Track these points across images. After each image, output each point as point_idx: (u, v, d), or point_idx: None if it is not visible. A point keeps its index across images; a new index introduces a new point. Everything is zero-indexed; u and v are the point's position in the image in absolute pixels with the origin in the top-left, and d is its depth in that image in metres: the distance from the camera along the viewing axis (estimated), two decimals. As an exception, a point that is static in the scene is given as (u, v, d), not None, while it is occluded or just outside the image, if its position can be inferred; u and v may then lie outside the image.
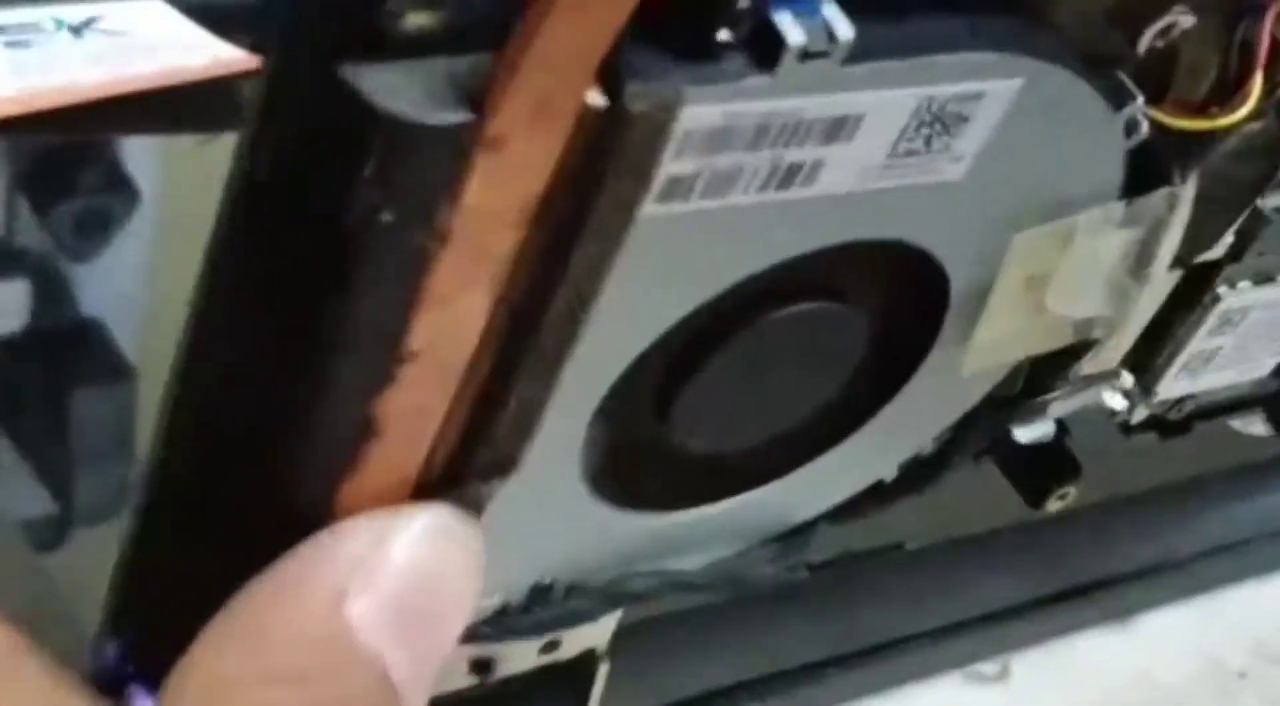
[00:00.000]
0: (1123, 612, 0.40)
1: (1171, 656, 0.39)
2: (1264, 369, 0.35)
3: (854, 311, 0.25)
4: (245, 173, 0.20)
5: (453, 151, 0.19)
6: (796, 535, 0.29)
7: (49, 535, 0.40)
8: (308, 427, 0.21)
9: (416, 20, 0.19)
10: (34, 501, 0.36)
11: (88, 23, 0.50)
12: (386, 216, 0.19)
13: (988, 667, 0.38)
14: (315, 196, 0.20)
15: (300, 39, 0.19)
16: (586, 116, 0.20)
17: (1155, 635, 0.40)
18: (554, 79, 0.19)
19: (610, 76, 0.20)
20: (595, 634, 0.29)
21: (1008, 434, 0.33)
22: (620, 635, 0.29)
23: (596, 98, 0.20)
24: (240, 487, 0.22)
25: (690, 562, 0.28)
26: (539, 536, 0.26)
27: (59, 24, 0.50)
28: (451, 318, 0.21)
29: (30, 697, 0.20)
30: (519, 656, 0.28)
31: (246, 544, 0.21)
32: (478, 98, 0.19)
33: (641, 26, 0.19)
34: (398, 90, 0.19)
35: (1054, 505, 0.34)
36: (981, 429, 0.29)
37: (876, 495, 0.29)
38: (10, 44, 0.50)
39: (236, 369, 0.21)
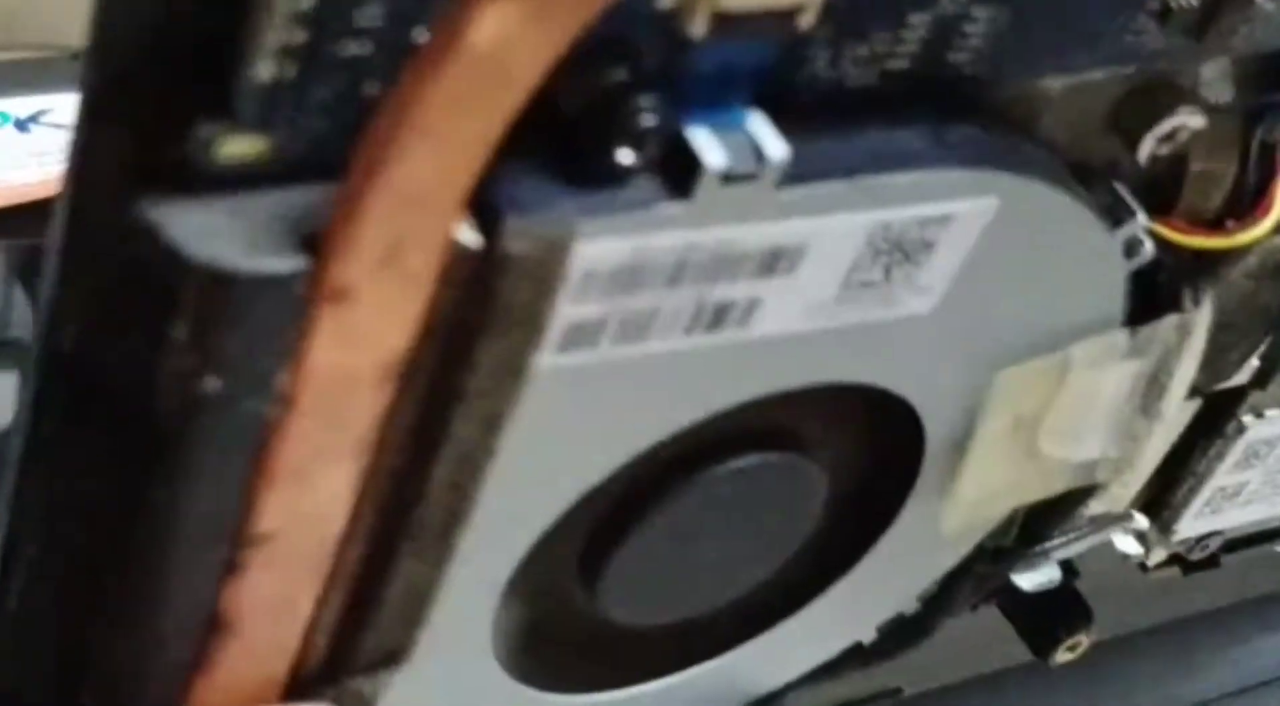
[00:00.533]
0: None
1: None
2: (1297, 502, 0.31)
3: (810, 463, 0.22)
4: (46, 343, 0.17)
5: (286, 306, 0.16)
6: (763, 708, 0.25)
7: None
8: (147, 628, 0.18)
9: (235, 149, 0.16)
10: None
11: (35, 117, 0.48)
12: (211, 384, 0.16)
13: None
14: (125, 364, 0.16)
15: (93, 170, 0.16)
16: (456, 256, 0.16)
17: (1182, 787, 0.36)
18: (408, 217, 0.16)
19: (483, 208, 0.16)
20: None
21: (1007, 581, 0.29)
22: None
23: (468, 235, 0.16)
24: (74, 699, 0.19)
25: (635, 744, 0.24)
26: None
27: (4, 118, 0.48)
28: (308, 495, 0.18)
29: None
30: None
31: None
32: (314, 240, 0.16)
33: (522, 147, 0.16)
34: (212, 233, 0.15)
35: (1063, 656, 0.31)
36: (972, 584, 0.26)
37: (855, 657, 0.26)
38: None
39: (63, 554, 0.18)
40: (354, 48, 0.15)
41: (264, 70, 0.15)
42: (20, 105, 0.47)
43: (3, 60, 0.49)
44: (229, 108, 0.15)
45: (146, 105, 0.15)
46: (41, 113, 0.47)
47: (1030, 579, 0.30)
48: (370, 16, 0.15)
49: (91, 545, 0.18)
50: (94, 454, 0.17)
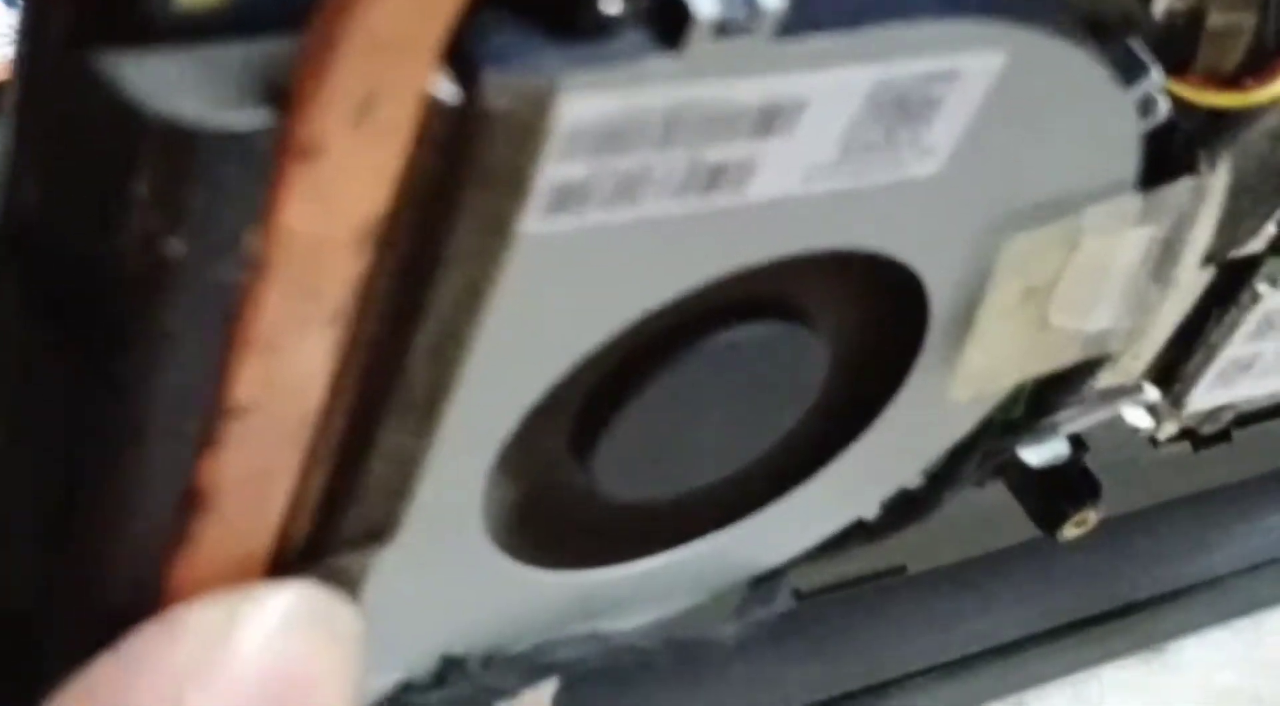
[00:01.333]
0: (1155, 641, 0.36)
1: (1210, 688, 0.35)
2: (1312, 375, 0.31)
3: (811, 332, 0.21)
4: (7, 212, 0.16)
5: (252, 162, 0.15)
6: (760, 586, 0.25)
7: None
8: (127, 502, 0.18)
9: (194, -3, 0.15)
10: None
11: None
12: (175, 247, 0.15)
13: (1002, 709, 0.33)
14: (86, 231, 0.16)
15: (44, 23, 0.15)
16: (434, 112, 0.16)
17: (1191, 665, 0.36)
18: (382, 66, 0.15)
19: (461, 61, 0.15)
20: (530, 701, 0.25)
21: (1014, 456, 0.29)
22: (574, 684, 0.25)
23: (445, 89, 0.15)
24: (56, 577, 0.19)
25: (631, 621, 0.24)
26: (439, 602, 0.22)
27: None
28: (284, 365, 0.17)
29: None
30: (437, 735, 0.24)
31: (72, 640, 0.18)
32: (282, 93, 0.15)
33: None
34: (172, 85, 0.15)
35: (1071, 532, 0.31)
36: (978, 459, 0.25)
37: (859, 533, 0.25)
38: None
39: (35, 439, 0.18)
40: (319, -121, 0.15)
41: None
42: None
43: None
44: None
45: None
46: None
47: (1037, 454, 0.30)
48: None
49: (63, 426, 0.17)
50: (59, 331, 0.16)
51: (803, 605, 0.27)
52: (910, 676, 0.33)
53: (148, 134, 0.15)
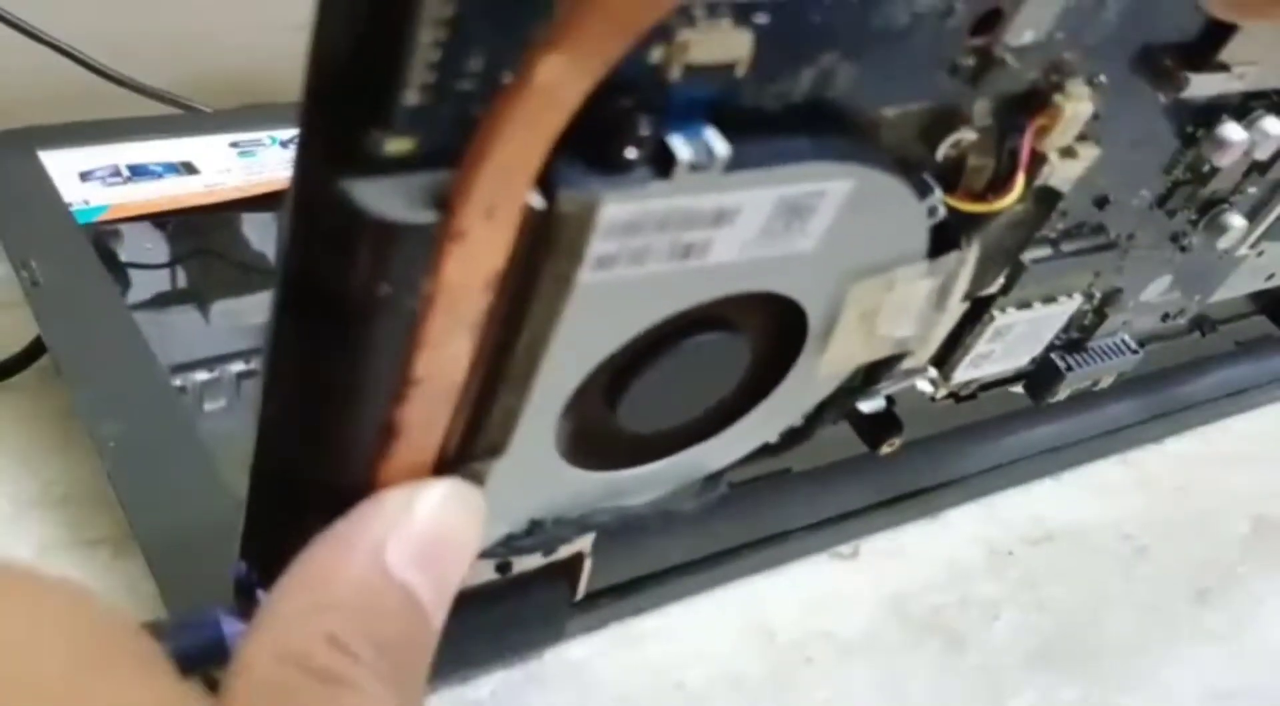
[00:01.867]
0: (934, 511, 0.35)
1: (965, 542, 0.35)
2: (1023, 361, 0.30)
3: (741, 337, 0.21)
4: (283, 264, 0.16)
5: (428, 242, 0.15)
6: (711, 479, 0.25)
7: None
8: (353, 432, 0.17)
9: (395, 146, 0.15)
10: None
11: (293, 139, 0.47)
12: (384, 289, 0.15)
13: (845, 549, 0.33)
14: (332, 278, 0.15)
15: (310, 161, 0.15)
16: (530, 213, 0.15)
17: (954, 526, 0.35)
18: (500, 188, 0.15)
19: (547, 183, 0.15)
20: (580, 543, 0.25)
21: (854, 407, 0.29)
22: (603, 535, 0.25)
23: (536, 200, 0.15)
24: (312, 472, 0.18)
25: (639, 500, 0.24)
26: (529, 491, 0.22)
27: (273, 140, 0.47)
28: (442, 357, 0.17)
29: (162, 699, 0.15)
30: (528, 561, 0.24)
31: (320, 508, 0.18)
32: (444, 202, 0.15)
33: (568, 146, 0.15)
34: (383, 197, 0.14)
35: (885, 450, 0.30)
36: (835, 408, 0.25)
37: (766, 451, 0.25)
38: (242, 153, 0.46)
39: (302, 393, 0.18)
40: (466, 84, 0.14)
41: (410, 98, 0.14)
42: (283, 133, 0.46)
43: (269, 104, 0.48)
44: (390, 121, 0.14)
45: (340, 121, 0.14)
46: (294, 138, 0.46)
47: (868, 405, 0.30)
48: (476, 65, 0.14)
49: (313, 389, 0.17)
50: (313, 334, 0.16)
51: (733, 491, 0.26)
52: (792, 531, 0.32)
53: (368, 225, 0.15)
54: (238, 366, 0.39)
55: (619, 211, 0.16)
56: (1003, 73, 0.20)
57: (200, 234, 0.45)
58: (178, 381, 0.39)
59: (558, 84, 0.14)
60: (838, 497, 0.33)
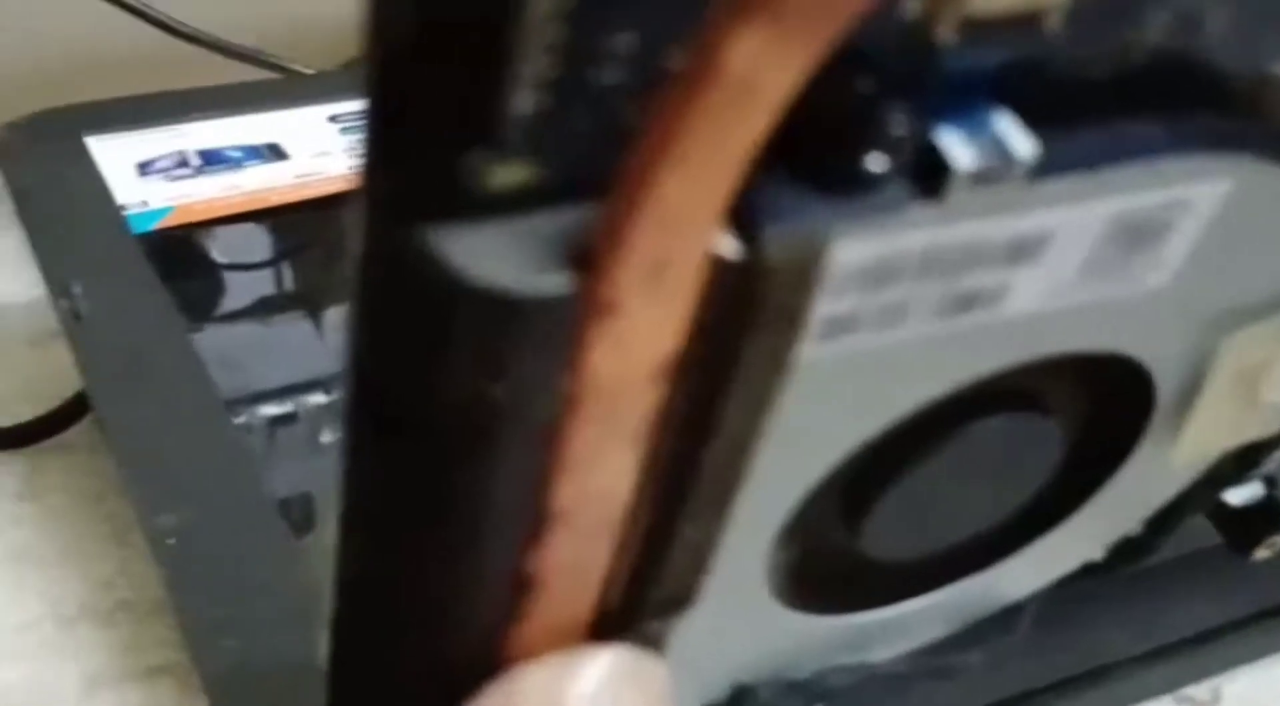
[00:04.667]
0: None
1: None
2: None
3: (1048, 419, 0.18)
4: (353, 356, 0.14)
5: (559, 320, 0.13)
6: (1002, 616, 0.22)
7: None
8: (471, 587, 0.16)
9: (503, 177, 0.12)
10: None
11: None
12: (497, 393, 0.13)
13: (1199, 692, 0.29)
14: (417, 376, 0.13)
15: (379, 203, 0.12)
16: (719, 267, 0.13)
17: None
18: (672, 233, 0.12)
19: (742, 219, 0.13)
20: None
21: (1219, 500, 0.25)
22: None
23: (728, 246, 0.13)
24: (417, 639, 0.17)
25: (891, 652, 0.21)
26: (730, 644, 0.20)
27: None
28: (594, 478, 0.15)
29: None
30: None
31: (432, 689, 0.17)
32: (582, 258, 0.12)
33: (772, 160, 0.13)
34: (486, 256, 0.12)
35: (1263, 554, 0.26)
36: (1191, 507, 0.21)
37: (1087, 573, 0.22)
38: (344, 130, 0.45)
39: (393, 536, 0.16)
40: (608, 75, 0.12)
41: (526, 100, 0.12)
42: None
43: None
44: (496, 136, 0.12)
45: (420, 139, 0.12)
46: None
47: (1237, 495, 0.26)
48: (622, 45, 0.12)
49: (410, 531, 0.15)
50: (403, 457, 0.14)
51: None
52: (1120, 663, 0.29)
53: (468, 302, 0.12)
54: None
55: (859, 253, 0.14)
56: None
57: (304, 225, 0.45)
58: (288, 406, 0.38)
59: (757, 68, 0.11)
60: (1187, 616, 0.30)
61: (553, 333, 0.13)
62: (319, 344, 0.42)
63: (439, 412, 0.14)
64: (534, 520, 0.15)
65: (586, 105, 0.12)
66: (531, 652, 0.17)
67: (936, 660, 0.21)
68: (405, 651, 0.17)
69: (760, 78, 0.11)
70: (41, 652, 0.33)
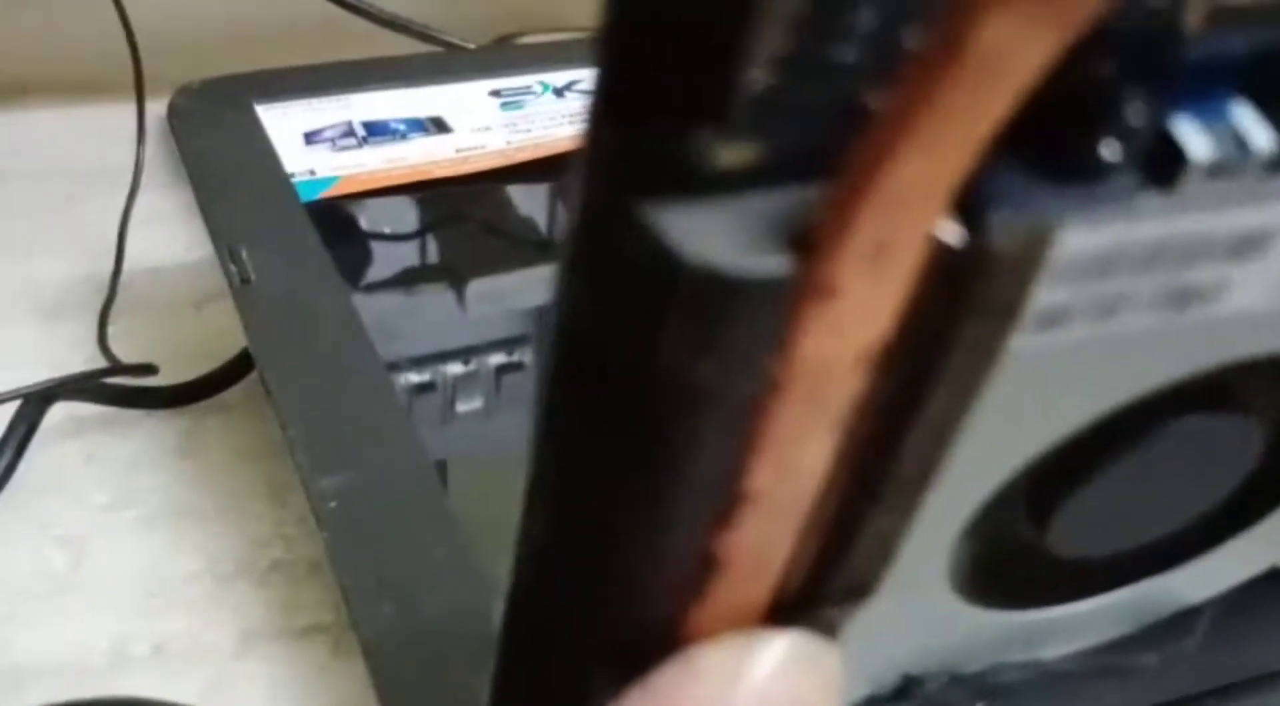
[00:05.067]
0: None
1: None
2: None
3: (1251, 420, 0.17)
4: (559, 323, 0.14)
5: (774, 302, 0.12)
6: (1182, 619, 0.21)
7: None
8: (658, 564, 0.15)
9: (729, 155, 0.12)
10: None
11: (569, 85, 0.46)
12: (705, 373, 0.13)
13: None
14: (626, 349, 0.13)
15: (598, 177, 0.12)
16: (938, 251, 0.12)
17: None
18: (899, 215, 0.12)
19: (967, 205, 0.12)
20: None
21: None
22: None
23: (951, 231, 0.12)
24: (595, 616, 0.16)
25: (1065, 648, 0.20)
26: (903, 634, 0.19)
27: (545, 87, 0.46)
28: (789, 463, 0.14)
29: None
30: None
31: (607, 665, 0.16)
32: (803, 239, 0.12)
33: (1001, 141, 0.12)
34: (706, 235, 0.12)
35: None
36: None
37: (1270, 576, 0.21)
38: (505, 105, 0.45)
39: (582, 510, 0.16)
40: (845, 53, 0.12)
41: (757, 78, 0.11)
42: (557, 77, 0.45)
43: (541, 42, 0.47)
44: (725, 115, 0.12)
45: (644, 116, 0.12)
46: (573, 83, 0.45)
47: None
48: (861, 22, 0.11)
49: (602, 502, 0.15)
50: (601, 430, 0.14)
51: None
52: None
53: (685, 280, 0.12)
54: (498, 358, 0.39)
55: (1086, 243, 0.13)
56: None
57: (455, 198, 0.45)
58: (426, 375, 0.38)
59: (1008, 49, 0.11)
60: None
61: (767, 314, 0.12)
62: (460, 315, 0.42)
63: (644, 386, 0.13)
64: (727, 500, 0.15)
65: (820, 85, 0.12)
66: (709, 633, 0.16)
67: (1108, 659, 0.21)
68: (582, 624, 0.17)
69: (1007, 60, 0.11)
70: (200, 606, 0.33)
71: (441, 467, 0.39)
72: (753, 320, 0.12)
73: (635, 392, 0.13)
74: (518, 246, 0.45)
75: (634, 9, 0.12)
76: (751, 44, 0.11)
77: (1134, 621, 0.21)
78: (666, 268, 0.12)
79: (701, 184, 0.12)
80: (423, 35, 0.47)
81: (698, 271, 0.12)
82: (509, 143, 0.43)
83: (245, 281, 0.36)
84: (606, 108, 0.12)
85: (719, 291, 0.12)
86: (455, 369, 0.39)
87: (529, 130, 0.43)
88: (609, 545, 0.15)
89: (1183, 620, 0.21)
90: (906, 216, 0.12)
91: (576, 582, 0.16)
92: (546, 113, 0.44)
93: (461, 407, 0.38)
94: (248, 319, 0.35)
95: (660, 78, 0.12)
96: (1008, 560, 0.18)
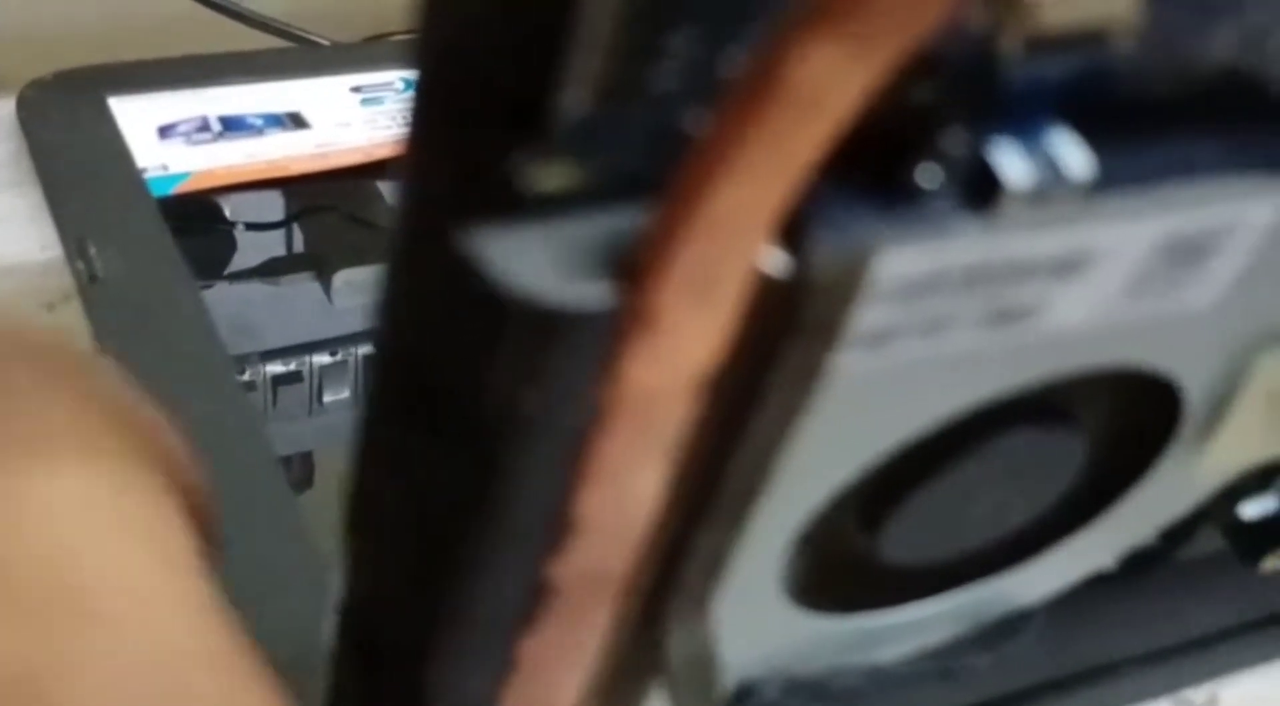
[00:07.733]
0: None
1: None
2: None
3: (1075, 431, 0.17)
4: (382, 342, 0.13)
5: (599, 332, 0.12)
6: (1015, 621, 0.21)
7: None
8: (486, 596, 0.15)
9: (550, 179, 0.11)
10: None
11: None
12: (530, 401, 0.12)
13: (1196, 696, 0.29)
14: (447, 371, 0.12)
15: (418, 200, 0.12)
16: (762, 276, 0.12)
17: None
18: (720, 246, 0.11)
19: (791, 229, 0.12)
20: None
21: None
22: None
23: (775, 262, 0.12)
24: (426, 646, 0.16)
25: (899, 651, 0.20)
26: (740, 642, 0.19)
27: (407, 84, 0.45)
28: (621, 491, 0.14)
29: None
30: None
31: (437, 692, 0.16)
32: (627, 267, 0.12)
33: (822, 168, 0.12)
34: (528, 262, 0.11)
35: (1270, 565, 0.25)
36: (1208, 521, 0.20)
37: (1100, 582, 0.21)
38: (366, 101, 0.44)
39: (406, 540, 0.15)
40: (664, 78, 0.11)
41: (576, 99, 0.11)
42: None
43: (403, 40, 0.45)
44: (544, 136, 0.11)
45: (464, 136, 0.11)
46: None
47: (1251, 508, 0.25)
48: (682, 47, 0.11)
49: (425, 538, 0.14)
50: (422, 459, 0.13)
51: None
52: (1119, 663, 0.28)
53: (506, 309, 0.11)
54: (365, 348, 0.38)
55: (905, 266, 0.13)
56: None
57: (321, 190, 0.44)
58: (293, 365, 0.38)
59: (824, 82, 0.10)
60: (1188, 621, 0.29)
61: (591, 343, 0.12)
62: (327, 306, 0.42)
63: (468, 410, 0.13)
64: (557, 527, 0.14)
65: (640, 109, 0.11)
66: (546, 658, 0.16)
67: (943, 661, 0.21)
68: (413, 649, 0.16)
69: (826, 91, 0.10)
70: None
71: (308, 458, 0.38)
72: (576, 350, 0.12)
73: (459, 416, 0.13)
74: (385, 238, 0.44)
75: (450, 28, 0.11)
76: (567, 64, 0.11)
77: (968, 623, 0.21)
78: (487, 295, 0.11)
79: (522, 207, 0.11)
80: (280, 32, 0.46)
81: (518, 301, 0.11)
82: (370, 139, 0.42)
83: (93, 279, 0.34)
84: (426, 126, 0.12)
85: (540, 322, 0.11)
86: (322, 359, 0.38)
87: (390, 127, 0.42)
88: (435, 575, 0.15)
89: (1014, 621, 0.21)
90: (729, 244, 0.11)
91: (407, 606, 0.16)
92: (408, 109, 0.43)
93: (329, 398, 0.38)
94: (94, 317, 0.33)
95: (478, 97, 0.11)
96: (841, 567, 0.18)
